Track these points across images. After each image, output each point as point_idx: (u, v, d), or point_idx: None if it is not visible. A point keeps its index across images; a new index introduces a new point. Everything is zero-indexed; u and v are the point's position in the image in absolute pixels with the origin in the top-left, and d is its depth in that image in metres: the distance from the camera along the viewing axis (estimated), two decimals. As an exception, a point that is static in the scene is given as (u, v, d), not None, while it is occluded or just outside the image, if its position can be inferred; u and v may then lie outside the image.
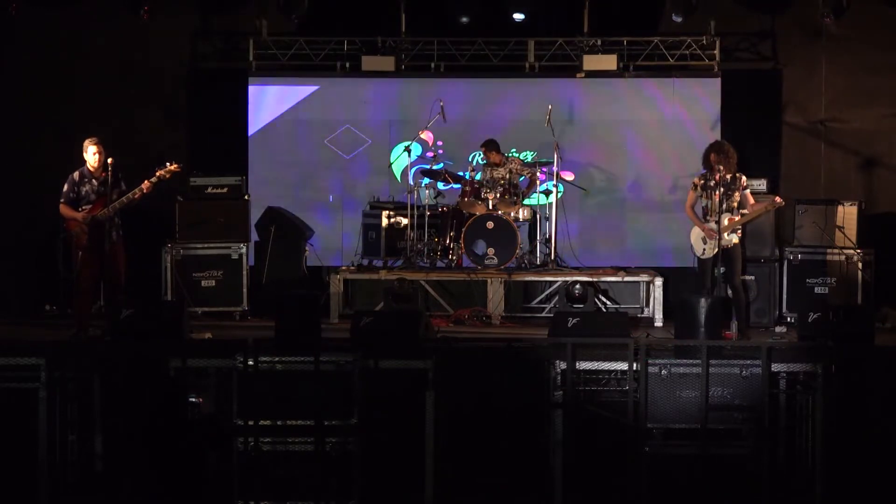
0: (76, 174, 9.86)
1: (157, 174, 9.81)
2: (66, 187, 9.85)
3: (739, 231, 10.17)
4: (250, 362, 8.34)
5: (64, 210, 9.84)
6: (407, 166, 12.33)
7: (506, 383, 8.55)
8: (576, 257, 12.40)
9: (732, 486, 8.35)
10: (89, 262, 9.76)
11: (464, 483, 8.54)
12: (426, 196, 12.07)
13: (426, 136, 12.61)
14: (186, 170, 11.90)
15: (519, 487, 8.54)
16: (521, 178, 12.05)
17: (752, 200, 10.22)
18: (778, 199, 10.14)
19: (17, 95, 12.58)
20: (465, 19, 12.74)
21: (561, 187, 12.22)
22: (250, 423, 8.33)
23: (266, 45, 12.83)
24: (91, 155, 9.83)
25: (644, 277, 11.72)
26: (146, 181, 9.75)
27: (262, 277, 11.80)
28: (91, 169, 9.85)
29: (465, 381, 8.58)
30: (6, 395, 8.47)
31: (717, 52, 12.68)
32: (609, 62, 12.67)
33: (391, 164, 12.70)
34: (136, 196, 9.76)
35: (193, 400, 8.61)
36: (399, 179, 12.78)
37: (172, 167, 9.88)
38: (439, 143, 12.71)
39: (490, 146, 12.18)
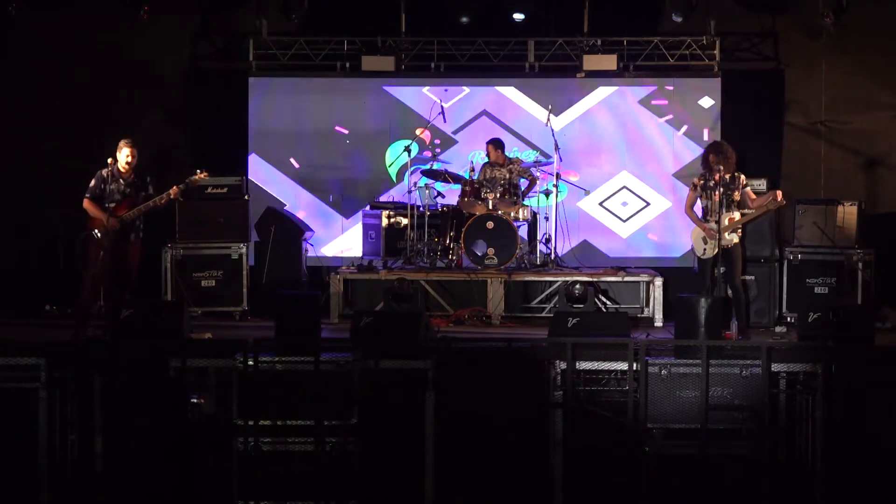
0: (105, 171, 9.80)
1: (187, 181, 9.84)
2: (92, 182, 9.78)
3: (740, 231, 10.17)
4: (250, 362, 8.34)
5: (88, 206, 9.74)
6: (406, 165, 12.30)
7: (506, 383, 8.55)
8: (576, 257, 12.41)
9: (732, 486, 8.35)
10: (103, 262, 9.69)
11: (464, 483, 8.53)
12: (426, 196, 12.07)
13: (425, 135, 12.61)
14: (186, 170, 11.90)
15: (519, 487, 8.54)
16: (521, 180, 12.05)
17: (753, 196, 10.21)
18: (779, 193, 10.11)
19: (17, 95, 12.58)
20: (465, 19, 12.73)
21: (563, 187, 12.23)
22: (250, 423, 8.34)
23: (266, 45, 12.83)
24: (124, 156, 9.78)
25: (644, 277, 11.72)
26: (175, 187, 9.74)
27: (262, 277, 11.80)
28: (121, 169, 9.81)
29: (465, 381, 8.58)
30: (6, 395, 8.47)
31: (717, 52, 12.67)
32: (609, 62, 12.67)
33: (390, 164, 12.68)
34: (163, 201, 9.73)
35: (195, 401, 8.63)
36: (395, 180, 12.78)
37: (202, 175, 9.94)
38: (437, 141, 12.71)
39: (496, 144, 12.17)
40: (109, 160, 9.77)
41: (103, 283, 9.85)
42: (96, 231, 9.67)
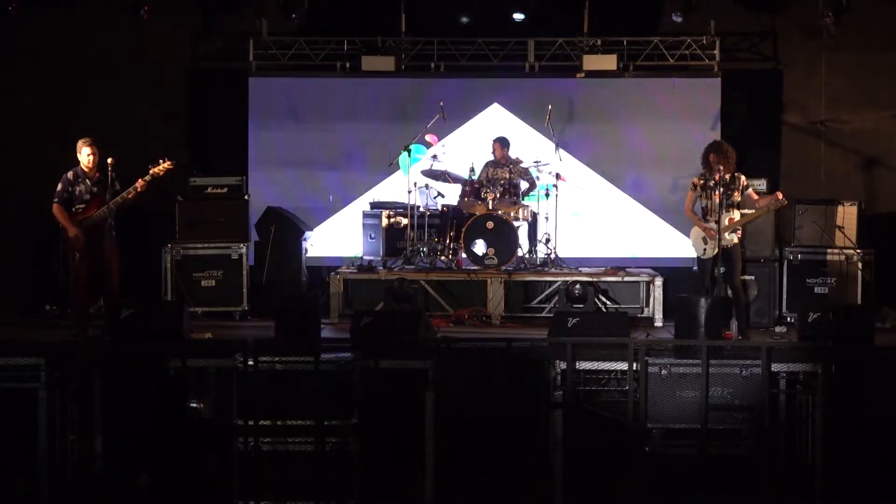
0: (70, 174, 9.84)
1: (151, 172, 9.79)
2: (59, 187, 9.80)
3: (739, 231, 10.17)
4: (250, 362, 8.35)
5: (58, 212, 9.77)
6: (409, 166, 12.28)
7: (506, 383, 8.55)
8: (576, 257, 12.41)
9: (732, 485, 8.36)
10: (86, 264, 9.75)
11: (464, 483, 8.53)
12: (426, 196, 12.07)
13: (430, 138, 12.59)
14: (186, 170, 11.91)
15: (519, 487, 8.54)
16: (521, 181, 12.04)
17: (756, 196, 10.22)
18: (780, 195, 10.12)
19: (17, 95, 12.58)
20: (465, 19, 12.73)
21: (562, 187, 12.21)
22: (250, 423, 8.34)
23: (266, 45, 12.83)
24: (85, 156, 9.82)
25: (644, 277, 11.72)
26: (140, 180, 9.72)
27: (262, 277, 11.80)
28: (85, 169, 9.83)
29: (465, 381, 8.58)
30: (6, 395, 8.47)
31: (717, 52, 12.67)
32: (609, 62, 12.67)
33: (391, 163, 12.63)
34: (130, 196, 9.73)
35: (195, 405, 8.62)
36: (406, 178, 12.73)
37: (166, 164, 9.86)
38: (443, 144, 12.69)
39: (503, 143, 12.15)
40: (109, 160, 9.75)
41: (94, 283, 9.87)
42: (68, 236, 9.74)
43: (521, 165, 12.12)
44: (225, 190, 12.08)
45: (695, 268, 10.76)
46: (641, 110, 12.82)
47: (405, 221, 12.03)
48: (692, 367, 8.41)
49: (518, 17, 12.73)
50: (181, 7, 12.88)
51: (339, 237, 12.85)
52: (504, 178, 11.90)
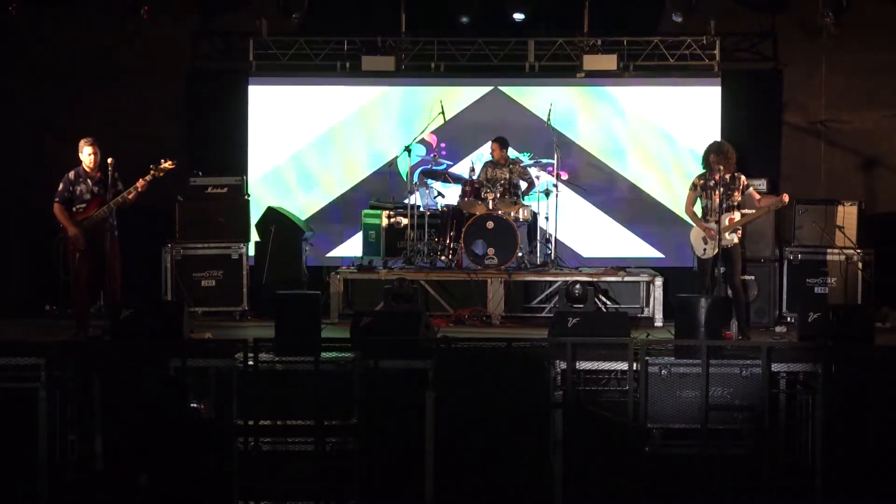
0: (72, 173, 9.85)
1: (152, 172, 9.81)
2: (61, 186, 9.83)
3: (739, 231, 10.17)
4: (250, 362, 8.34)
5: (58, 212, 9.79)
6: (409, 166, 12.30)
7: (506, 383, 8.55)
8: (576, 257, 12.40)
9: (732, 486, 8.35)
10: (87, 264, 9.76)
11: (464, 483, 8.53)
12: (426, 196, 12.07)
13: (430, 138, 12.59)
14: (186, 170, 11.91)
15: (519, 487, 8.54)
16: (520, 181, 12.04)
17: (757, 196, 10.21)
18: (786, 197, 10.12)
19: (17, 95, 12.58)
20: (465, 19, 12.72)
21: (562, 187, 12.22)
22: (250, 423, 8.33)
23: (266, 45, 12.84)
24: (87, 155, 9.83)
25: (644, 277, 11.72)
26: (141, 179, 9.74)
27: (262, 277, 11.80)
28: (87, 169, 9.85)
29: (465, 381, 8.57)
30: (6, 395, 8.47)
31: (717, 52, 12.68)
32: (609, 62, 12.67)
33: (391, 161, 12.65)
34: (131, 196, 9.75)
35: (195, 405, 8.62)
36: (405, 178, 12.74)
37: (167, 164, 9.88)
38: (443, 144, 12.69)
39: (502, 143, 12.15)
40: (109, 160, 9.75)
41: (94, 283, 9.86)
42: (68, 235, 9.76)
43: (521, 165, 12.13)
44: (225, 190, 12.09)
45: (695, 268, 10.76)
46: (641, 110, 12.82)
47: (405, 221, 12.02)
48: (692, 367, 8.40)
49: (518, 16, 12.72)
50: (181, 7, 12.88)
51: (339, 237, 12.85)
52: (504, 178, 11.91)
